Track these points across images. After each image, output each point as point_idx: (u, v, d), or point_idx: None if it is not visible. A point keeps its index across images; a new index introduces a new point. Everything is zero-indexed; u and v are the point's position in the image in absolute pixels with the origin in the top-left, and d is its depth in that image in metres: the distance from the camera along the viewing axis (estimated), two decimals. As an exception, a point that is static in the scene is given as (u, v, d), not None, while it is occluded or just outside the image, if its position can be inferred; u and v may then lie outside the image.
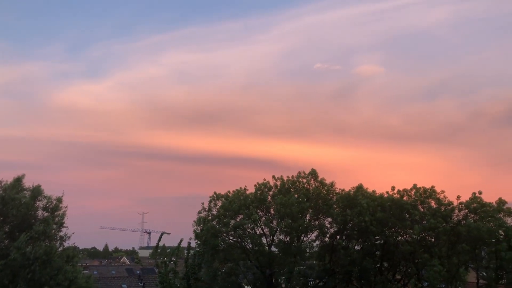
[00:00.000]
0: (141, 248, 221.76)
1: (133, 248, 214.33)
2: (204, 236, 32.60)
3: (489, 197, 31.27)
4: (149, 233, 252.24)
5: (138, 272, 75.52)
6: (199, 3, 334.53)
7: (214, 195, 35.30)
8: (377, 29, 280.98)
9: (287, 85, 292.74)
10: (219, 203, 34.91)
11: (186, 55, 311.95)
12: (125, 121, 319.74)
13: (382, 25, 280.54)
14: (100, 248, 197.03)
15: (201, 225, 33.42)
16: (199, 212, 34.84)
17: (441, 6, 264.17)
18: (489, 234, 28.59)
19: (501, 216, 29.82)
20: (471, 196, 31.10)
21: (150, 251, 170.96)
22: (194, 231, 33.45)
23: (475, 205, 30.28)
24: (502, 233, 29.32)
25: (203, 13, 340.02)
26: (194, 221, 34.13)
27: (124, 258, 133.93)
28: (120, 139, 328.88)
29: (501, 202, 30.33)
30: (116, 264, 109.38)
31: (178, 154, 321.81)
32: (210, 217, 34.26)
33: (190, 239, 33.39)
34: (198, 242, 32.89)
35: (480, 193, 31.00)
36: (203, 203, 35.22)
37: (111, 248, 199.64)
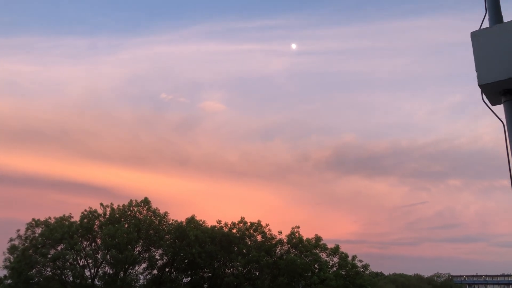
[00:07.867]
0: None
1: None
2: (17, 266, 29.29)
3: (309, 233, 33.97)
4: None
5: None
6: (40, 12, 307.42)
7: (33, 222, 32.03)
8: (222, 69, 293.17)
9: (129, 111, 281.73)
10: (38, 231, 31.79)
11: (18, 65, 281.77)
12: None
13: (227, 65, 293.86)
14: None
15: (14, 255, 30.16)
16: (12, 239, 31.25)
17: (281, 57, 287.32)
18: (304, 268, 30.82)
19: (317, 251, 32.54)
20: (290, 231, 33.56)
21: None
22: (6, 260, 30.05)
23: (295, 240, 32.60)
24: (317, 267, 31.86)
25: (43, 24, 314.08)
26: (7, 249, 30.72)
27: None
28: None
29: (317, 238, 33.24)
30: None
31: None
32: (27, 245, 30.97)
33: None
34: (7, 274, 29.43)
35: (298, 227, 33.67)
36: (18, 230, 31.73)
37: None
